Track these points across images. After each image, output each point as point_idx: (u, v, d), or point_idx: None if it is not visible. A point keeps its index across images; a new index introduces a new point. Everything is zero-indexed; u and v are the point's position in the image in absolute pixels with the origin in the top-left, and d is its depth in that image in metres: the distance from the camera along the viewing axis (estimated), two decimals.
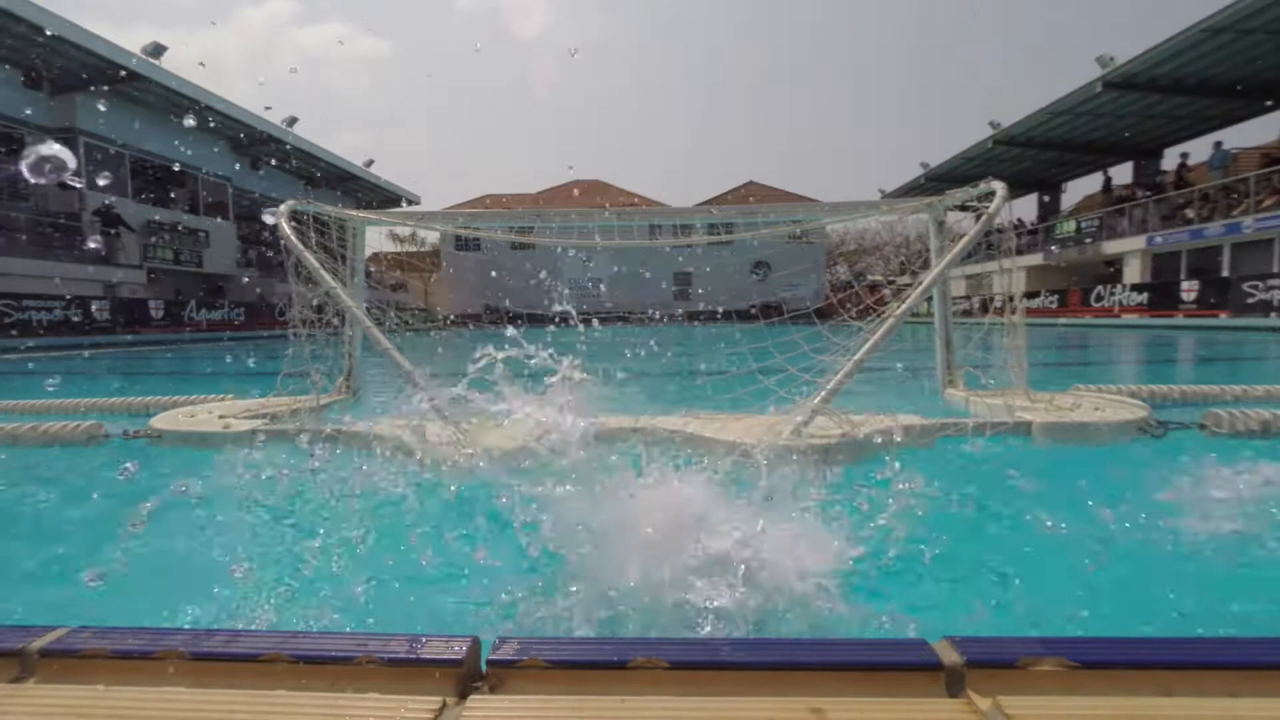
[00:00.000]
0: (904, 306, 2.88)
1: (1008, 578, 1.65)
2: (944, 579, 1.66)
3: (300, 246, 3.12)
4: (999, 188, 3.21)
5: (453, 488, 2.36)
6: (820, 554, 1.53)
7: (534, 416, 2.19)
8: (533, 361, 2.20)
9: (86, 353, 11.76)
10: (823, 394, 2.68)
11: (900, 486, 2.34)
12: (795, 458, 2.36)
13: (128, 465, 2.53)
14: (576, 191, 35.55)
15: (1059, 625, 1.42)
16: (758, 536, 1.53)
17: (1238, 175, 17.38)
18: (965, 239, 3.07)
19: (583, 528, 1.68)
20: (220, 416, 3.21)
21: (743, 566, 1.44)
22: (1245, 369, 7.21)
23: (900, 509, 2.10)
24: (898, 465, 2.21)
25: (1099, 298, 19.01)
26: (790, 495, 2.03)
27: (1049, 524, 2.01)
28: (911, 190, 29.38)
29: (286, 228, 3.17)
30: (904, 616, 1.44)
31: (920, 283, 2.94)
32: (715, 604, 1.35)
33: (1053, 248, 22.72)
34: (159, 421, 3.13)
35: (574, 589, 1.48)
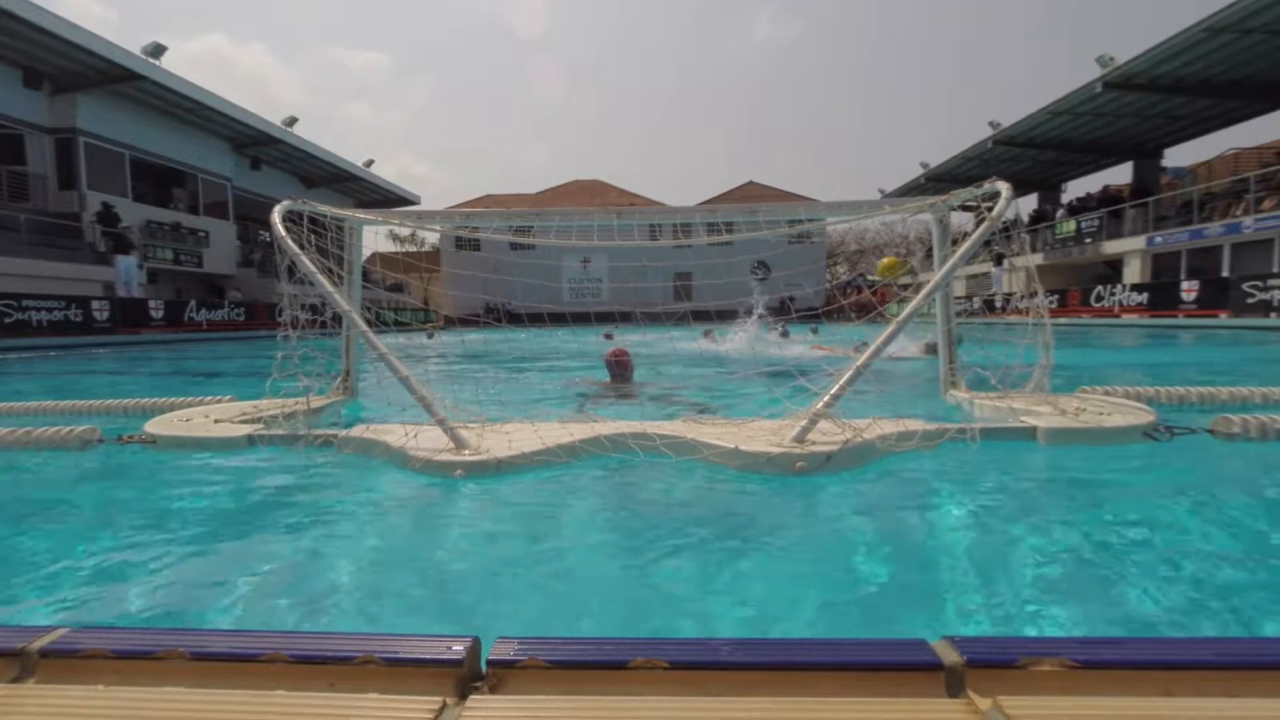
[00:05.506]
0: (907, 311, 2.86)
1: (1007, 580, 1.64)
2: (943, 581, 1.65)
3: (296, 249, 3.05)
4: (1004, 188, 3.14)
5: (451, 491, 2.36)
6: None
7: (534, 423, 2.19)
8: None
9: (85, 351, 11.77)
10: (825, 399, 2.65)
11: (903, 489, 2.34)
12: (798, 465, 2.35)
13: (121, 471, 2.50)
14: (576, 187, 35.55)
15: (1059, 625, 1.42)
16: None
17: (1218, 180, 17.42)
18: (968, 242, 3.01)
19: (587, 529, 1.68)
20: (216, 420, 3.18)
21: None
22: (1247, 370, 7.21)
23: (903, 512, 2.10)
24: (900, 468, 2.20)
25: (1099, 298, 18.98)
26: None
27: (1052, 528, 2.01)
28: (911, 190, 29.34)
29: (281, 229, 3.14)
30: (903, 617, 1.43)
31: (922, 286, 2.93)
32: None
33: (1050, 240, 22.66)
34: (153, 426, 3.08)
35: (572, 588, 1.47)
